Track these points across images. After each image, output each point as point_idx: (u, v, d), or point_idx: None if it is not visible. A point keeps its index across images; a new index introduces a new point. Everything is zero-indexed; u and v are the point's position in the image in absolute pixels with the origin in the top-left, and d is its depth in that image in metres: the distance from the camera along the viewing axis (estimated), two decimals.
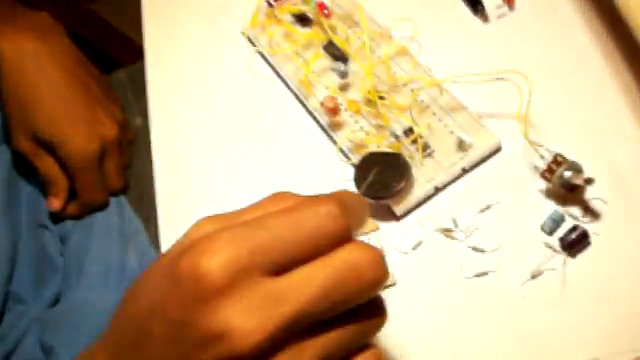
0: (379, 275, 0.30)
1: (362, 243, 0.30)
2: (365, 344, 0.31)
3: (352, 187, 0.48)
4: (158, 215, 0.55)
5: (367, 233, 0.49)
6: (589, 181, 0.42)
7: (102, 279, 0.65)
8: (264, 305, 0.27)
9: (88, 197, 0.68)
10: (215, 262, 0.28)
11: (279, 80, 0.57)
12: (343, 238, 0.30)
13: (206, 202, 0.54)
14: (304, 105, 0.55)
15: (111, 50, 0.97)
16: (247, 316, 0.27)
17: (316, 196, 0.31)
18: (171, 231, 0.54)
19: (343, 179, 0.51)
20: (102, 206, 0.70)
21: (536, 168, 0.46)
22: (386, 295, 0.46)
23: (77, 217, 0.69)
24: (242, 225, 0.29)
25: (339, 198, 0.31)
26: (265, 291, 0.28)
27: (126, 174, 0.72)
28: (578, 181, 0.43)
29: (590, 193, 0.45)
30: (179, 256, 0.29)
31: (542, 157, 0.45)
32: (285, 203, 0.31)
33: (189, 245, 0.29)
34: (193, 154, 0.57)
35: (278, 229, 0.29)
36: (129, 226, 0.70)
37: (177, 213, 0.55)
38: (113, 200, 0.71)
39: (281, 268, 0.29)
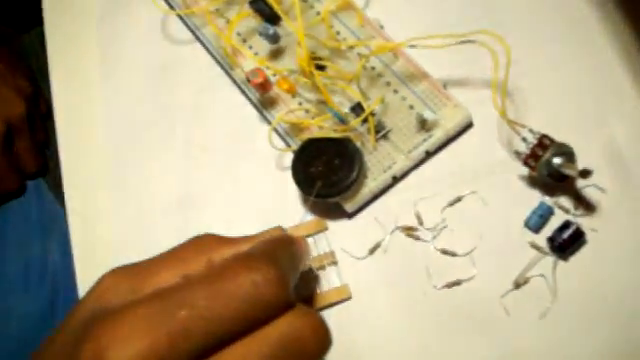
0: (322, 345, 0.27)
1: (302, 309, 0.26)
2: None
3: (289, 178, 0.39)
4: (66, 210, 0.46)
5: (312, 235, 0.40)
6: (585, 174, 0.34)
7: (21, 280, 0.60)
8: None
9: None
10: (125, 355, 0.23)
11: (200, 46, 0.47)
12: (281, 307, 0.26)
13: (119, 190, 0.45)
14: (231, 77, 0.45)
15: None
16: None
17: (246, 256, 0.27)
18: (81, 228, 0.45)
19: (280, 167, 0.42)
20: (16, 193, 0.63)
21: (517, 153, 0.37)
22: (339, 311, 0.38)
23: None
24: (159, 300, 0.25)
25: (273, 254, 0.27)
26: None
27: (44, 153, 0.64)
28: (570, 172, 0.35)
29: (584, 180, 0.37)
30: (80, 342, 0.24)
31: (524, 140, 0.36)
32: (209, 253, 0.29)
33: (93, 326, 0.24)
34: (100, 135, 0.47)
35: (203, 306, 0.24)
36: (49, 214, 0.63)
37: (89, 206, 0.46)
38: (30, 185, 0.64)
39: (208, 351, 0.24)
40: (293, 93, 0.42)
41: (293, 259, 0.30)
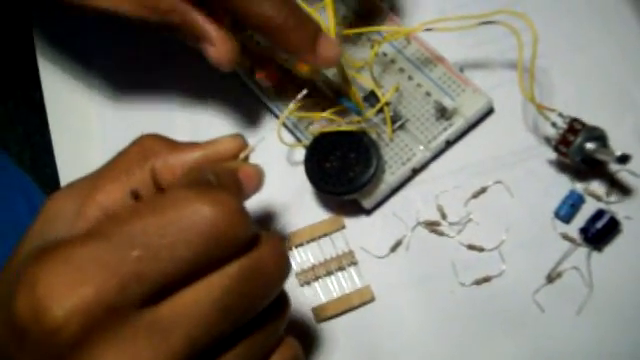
0: (284, 271, 0.25)
1: (265, 239, 0.24)
2: (279, 338, 0.27)
3: (301, 174, 0.37)
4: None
5: (329, 234, 0.38)
6: (624, 159, 0.31)
7: None
8: (145, 345, 0.21)
9: None
10: (64, 308, 0.21)
11: None
12: (243, 244, 0.24)
13: None
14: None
15: None
16: None
17: (204, 186, 0.24)
18: None
19: (291, 163, 0.40)
20: None
21: (547, 139, 0.35)
22: (361, 314, 0.36)
23: None
24: (106, 238, 0.22)
25: (232, 183, 0.26)
26: (144, 326, 0.22)
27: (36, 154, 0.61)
28: (606, 158, 0.32)
29: (616, 165, 0.34)
30: (15, 289, 0.21)
31: (554, 125, 0.34)
32: (153, 159, 0.27)
33: (30, 267, 0.22)
34: (97, 132, 0.44)
35: (157, 245, 0.22)
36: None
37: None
38: (16, 184, 0.61)
39: (162, 292, 0.22)
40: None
41: (252, 180, 0.28)
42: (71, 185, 0.26)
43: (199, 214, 0.22)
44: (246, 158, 0.29)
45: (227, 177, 0.26)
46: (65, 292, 0.21)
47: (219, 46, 0.34)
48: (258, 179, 0.28)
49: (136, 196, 0.26)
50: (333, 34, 0.34)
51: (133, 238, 0.22)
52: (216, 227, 0.22)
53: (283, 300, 0.27)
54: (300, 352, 0.27)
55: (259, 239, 0.24)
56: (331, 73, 0.38)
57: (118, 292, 0.21)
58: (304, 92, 0.36)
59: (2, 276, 0.24)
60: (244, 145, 0.29)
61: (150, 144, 0.27)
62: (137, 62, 0.45)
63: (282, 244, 0.25)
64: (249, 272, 0.23)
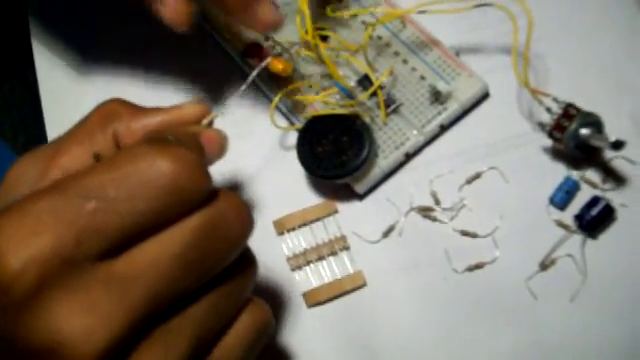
0: (247, 228, 0.24)
1: (221, 192, 0.24)
2: (245, 300, 0.26)
3: (294, 158, 0.36)
4: None
5: (322, 218, 0.37)
6: (618, 145, 0.31)
7: None
8: (103, 297, 0.21)
9: None
10: (23, 257, 0.20)
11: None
12: (202, 198, 0.23)
13: None
14: (224, 50, 0.42)
15: None
16: (82, 316, 0.21)
17: (161, 139, 0.24)
18: None
19: (284, 147, 0.39)
20: None
21: (541, 124, 0.35)
22: (353, 299, 0.36)
23: None
24: (62, 190, 0.22)
25: (191, 140, 0.25)
26: (102, 279, 0.21)
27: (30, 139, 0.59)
28: (601, 144, 0.32)
29: (611, 151, 0.34)
30: None
31: (548, 110, 0.34)
32: (115, 123, 0.26)
33: None
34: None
35: (114, 197, 0.21)
36: None
37: None
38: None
39: (120, 246, 0.22)
40: (289, 72, 0.38)
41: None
42: (34, 150, 0.26)
43: (157, 167, 0.22)
44: (210, 124, 0.29)
45: (187, 138, 0.26)
46: (21, 244, 0.20)
47: (171, 5, 0.33)
48: (220, 144, 0.28)
49: (98, 159, 0.26)
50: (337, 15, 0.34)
51: (89, 191, 0.21)
52: (174, 181, 0.22)
53: (249, 258, 0.26)
54: (270, 315, 0.27)
55: (217, 194, 0.24)
56: (312, 69, 0.38)
57: (75, 244, 0.21)
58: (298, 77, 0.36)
59: None
60: (207, 111, 0.29)
61: (113, 108, 0.27)
62: (133, 46, 0.44)
63: (241, 199, 0.24)
64: (210, 225, 0.23)
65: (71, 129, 0.27)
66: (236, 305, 0.25)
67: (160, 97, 0.42)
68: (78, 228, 0.21)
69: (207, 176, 0.23)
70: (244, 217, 0.24)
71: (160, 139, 0.24)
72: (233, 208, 0.24)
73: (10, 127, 0.83)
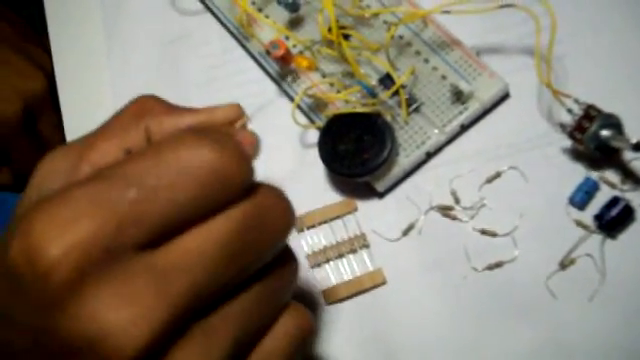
0: (289, 218, 0.24)
1: (263, 184, 0.23)
2: (285, 303, 0.25)
3: (314, 156, 0.37)
4: None
5: (341, 216, 0.38)
6: (639, 146, 0.31)
7: None
8: (145, 289, 0.20)
9: (21, 166, 0.57)
10: (59, 246, 0.19)
11: (211, 16, 0.44)
12: (245, 187, 0.22)
13: None
14: (247, 49, 0.42)
15: None
16: (124, 308, 0.20)
17: (199, 129, 0.24)
18: None
19: (304, 145, 0.40)
20: None
21: (562, 125, 0.35)
22: (373, 297, 0.36)
23: (12, 188, 0.58)
24: (101, 178, 0.21)
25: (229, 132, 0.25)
26: (143, 270, 0.20)
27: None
28: (621, 145, 0.32)
29: (631, 152, 0.34)
30: (10, 239, 0.20)
31: (570, 111, 0.34)
32: (148, 118, 0.26)
33: (25, 217, 0.20)
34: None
35: (154, 185, 0.21)
36: None
37: None
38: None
39: (162, 236, 0.21)
40: (313, 69, 0.39)
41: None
42: (62, 146, 0.26)
43: (199, 155, 0.21)
44: (242, 128, 0.29)
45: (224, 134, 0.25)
46: (59, 231, 0.19)
47: None
48: (255, 146, 0.27)
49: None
50: (359, 14, 0.34)
51: (131, 178, 0.21)
52: (217, 169, 0.21)
53: (290, 256, 0.26)
54: (311, 321, 0.26)
55: (260, 186, 0.23)
56: (333, 67, 0.38)
57: (116, 232, 0.20)
58: (319, 75, 0.36)
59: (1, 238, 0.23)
60: (241, 114, 0.28)
61: (147, 104, 0.27)
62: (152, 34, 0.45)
63: (283, 192, 0.24)
64: (253, 217, 0.22)
65: (104, 123, 0.26)
66: (276, 306, 0.25)
67: (182, 88, 0.43)
68: (119, 216, 0.20)
69: (250, 166, 0.22)
70: (287, 210, 0.24)
71: (202, 129, 0.23)
72: (277, 200, 0.23)
73: None
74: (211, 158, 0.21)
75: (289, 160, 0.40)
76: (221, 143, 0.22)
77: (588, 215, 0.35)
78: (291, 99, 0.40)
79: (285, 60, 0.38)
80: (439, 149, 0.37)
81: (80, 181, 0.21)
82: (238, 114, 0.28)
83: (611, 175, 0.35)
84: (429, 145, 0.37)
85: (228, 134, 0.23)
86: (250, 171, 0.22)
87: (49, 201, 0.20)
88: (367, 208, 0.38)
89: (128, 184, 0.20)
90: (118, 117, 0.26)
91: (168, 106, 0.27)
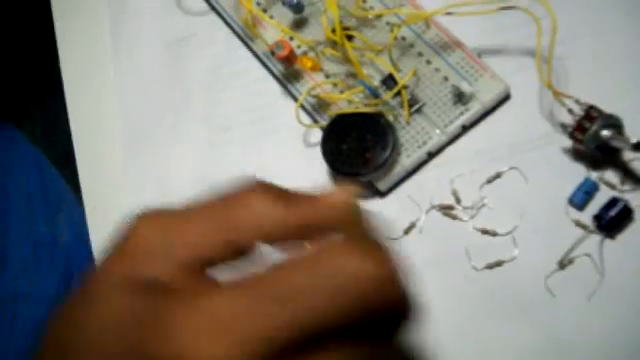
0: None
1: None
2: None
3: (317, 155, 0.37)
4: (81, 193, 0.44)
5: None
6: (639, 146, 0.32)
7: (32, 261, 0.57)
8: None
9: None
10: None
11: (217, 17, 0.45)
12: (397, 306, 0.20)
13: (136, 173, 0.43)
14: (251, 49, 0.43)
15: None
16: None
17: (357, 239, 0.20)
18: (98, 214, 0.43)
19: (307, 144, 0.40)
20: None
21: (563, 126, 0.35)
22: None
23: None
24: (248, 290, 0.19)
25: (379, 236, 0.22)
26: None
27: (47, 129, 0.61)
28: (622, 145, 0.33)
29: (631, 153, 0.35)
30: (150, 339, 0.18)
31: (570, 112, 0.34)
32: (263, 204, 0.21)
33: (161, 317, 0.19)
34: (114, 117, 0.45)
35: (309, 304, 0.18)
36: (54, 191, 0.59)
37: (104, 190, 0.44)
38: (31, 160, 0.60)
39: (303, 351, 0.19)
40: (317, 70, 0.39)
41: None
42: (158, 213, 0.22)
43: (362, 271, 0.19)
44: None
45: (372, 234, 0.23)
46: (211, 344, 0.18)
47: None
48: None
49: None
50: (362, 15, 0.35)
51: (278, 288, 0.19)
52: (375, 286, 0.19)
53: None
54: None
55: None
56: (336, 68, 0.39)
57: (263, 347, 0.18)
58: (322, 75, 0.36)
59: (77, 314, 0.21)
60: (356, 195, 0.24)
61: (261, 186, 0.22)
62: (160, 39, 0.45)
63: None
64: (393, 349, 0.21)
65: (202, 203, 0.22)
66: None
67: (185, 88, 0.43)
68: (266, 331, 0.18)
69: (402, 286, 0.20)
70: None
71: (355, 235, 0.21)
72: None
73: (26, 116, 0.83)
74: (374, 275, 0.19)
75: (292, 159, 0.40)
76: (380, 256, 0.20)
77: (587, 215, 0.35)
78: (295, 99, 0.40)
79: (289, 60, 0.39)
80: (440, 149, 0.38)
81: (222, 291, 0.19)
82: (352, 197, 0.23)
83: (611, 175, 0.35)
84: (430, 145, 0.37)
85: (380, 242, 0.22)
86: (402, 293, 0.20)
87: (190, 305, 0.19)
88: (369, 207, 0.38)
89: (275, 299, 0.19)
90: (224, 201, 0.22)
91: (278, 192, 0.22)
